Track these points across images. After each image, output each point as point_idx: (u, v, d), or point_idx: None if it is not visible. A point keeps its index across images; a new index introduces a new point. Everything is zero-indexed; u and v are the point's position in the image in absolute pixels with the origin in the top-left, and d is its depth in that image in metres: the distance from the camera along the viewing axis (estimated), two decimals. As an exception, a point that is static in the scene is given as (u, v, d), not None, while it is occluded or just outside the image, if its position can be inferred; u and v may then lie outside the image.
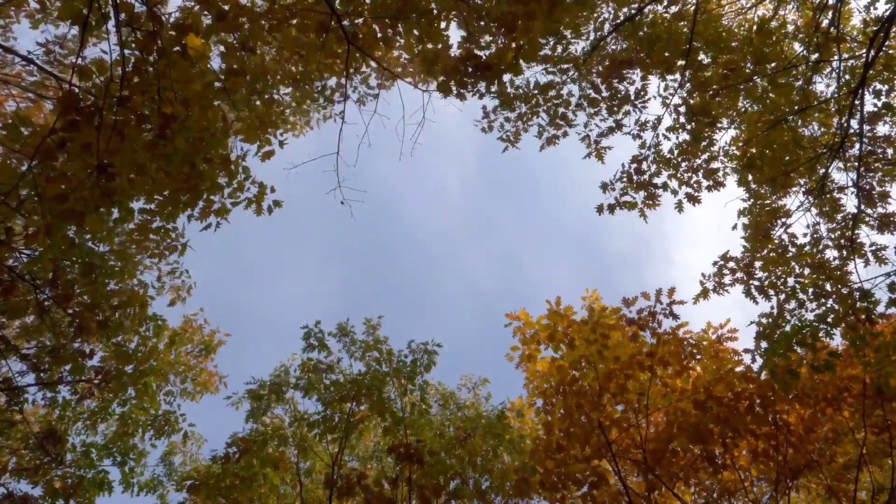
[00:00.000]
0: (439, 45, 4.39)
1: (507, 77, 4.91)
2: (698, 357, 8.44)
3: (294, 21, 5.10)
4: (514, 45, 4.41)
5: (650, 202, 8.13)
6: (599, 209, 8.15)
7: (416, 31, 4.31)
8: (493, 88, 5.05)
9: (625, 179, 8.15)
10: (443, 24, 4.42)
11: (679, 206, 8.12)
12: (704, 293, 7.71)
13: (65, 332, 6.66)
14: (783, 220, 7.22)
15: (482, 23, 4.66)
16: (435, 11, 4.31)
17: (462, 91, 4.54)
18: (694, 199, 8.10)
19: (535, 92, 7.78)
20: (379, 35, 4.61)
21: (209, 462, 8.50)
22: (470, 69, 4.41)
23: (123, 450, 8.18)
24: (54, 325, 6.42)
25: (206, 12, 4.37)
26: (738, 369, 8.08)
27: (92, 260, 5.76)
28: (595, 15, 7.80)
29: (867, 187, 7.19)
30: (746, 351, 6.37)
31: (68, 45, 6.94)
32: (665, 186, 8.08)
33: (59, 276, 5.96)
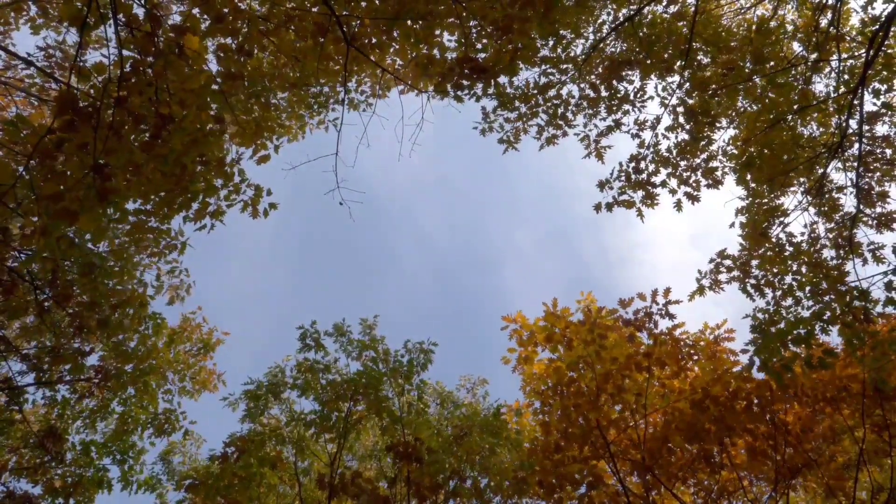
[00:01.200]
0: (435, 50, 4.40)
1: (505, 78, 4.92)
2: (695, 357, 8.44)
3: (292, 25, 5.11)
4: (510, 47, 4.42)
5: (648, 201, 8.13)
6: (597, 207, 8.15)
7: (411, 37, 4.31)
8: (490, 91, 5.06)
9: (623, 178, 8.15)
10: (437, 31, 4.43)
11: (678, 206, 8.12)
12: (700, 290, 7.71)
13: (64, 331, 6.69)
14: (781, 219, 7.22)
15: (478, 25, 4.67)
16: (432, 15, 4.32)
17: (459, 94, 4.55)
18: (693, 198, 8.10)
19: (535, 92, 7.77)
20: (374, 41, 4.62)
21: (208, 461, 8.54)
22: (466, 72, 4.42)
23: (123, 448, 8.22)
24: (54, 325, 6.44)
25: (204, 15, 4.39)
26: (735, 369, 8.09)
27: (91, 259, 5.78)
28: (594, 16, 7.79)
29: (866, 187, 7.18)
30: (744, 351, 6.37)
31: (69, 51, 6.96)
32: (664, 185, 8.07)
33: (58, 276, 5.99)
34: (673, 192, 8.03)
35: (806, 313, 5.92)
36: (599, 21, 7.98)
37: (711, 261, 7.40)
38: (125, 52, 3.96)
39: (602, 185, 8.09)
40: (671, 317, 8.11)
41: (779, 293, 6.24)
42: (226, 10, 4.44)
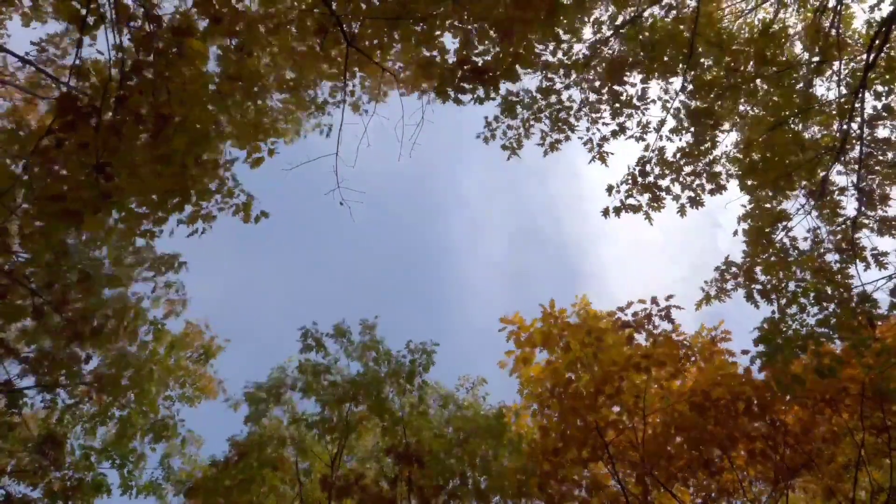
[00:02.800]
0: (435, 52, 4.36)
1: (507, 83, 4.89)
2: (693, 359, 8.44)
3: (291, 26, 5.06)
4: (511, 50, 4.38)
5: (654, 204, 8.09)
6: (605, 212, 8.11)
7: (412, 38, 4.27)
8: (492, 94, 5.02)
9: (630, 182, 8.11)
10: (437, 33, 4.39)
11: (682, 210, 8.09)
12: (707, 299, 7.68)
13: (61, 336, 6.64)
14: (784, 223, 7.20)
15: (478, 27, 4.63)
16: (433, 16, 4.28)
17: (459, 96, 4.51)
18: (696, 203, 8.07)
19: (538, 96, 7.73)
20: (375, 42, 4.58)
21: (208, 465, 8.50)
22: (467, 74, 4.38)
23: (122, 453, 8.17)
24: (51, 329, 6.39)
25: (202, 16, 4.34)
26: (735, 371, 8.09)
27: (85, 268, 5.73)
28: (595, 19, 7.75)
29: (868, 190, 7.17)
30: (745, 352, 6.36)
31: (63, 46, 6.89)
32: (668, 190, 8.04)
33: (55, 280, 5.94)
34: (677, 197, 8.00)
35: (811, 320, 5.90)
36: (600, 23, 7.95)
37: (717, 269, 7.39)
38: (125, 53, 3.92)
39: (610, 190, 8.05)
40: (671, 320, 8.10)
41: (783, 301, 6.22)
42: (224, 10, 4.40)
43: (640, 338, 8.30)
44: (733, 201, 12.32)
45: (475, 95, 4.80)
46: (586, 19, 7.69)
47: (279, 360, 9.40)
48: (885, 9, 6.84)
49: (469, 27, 4.74)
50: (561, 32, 6.44)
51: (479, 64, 4.54)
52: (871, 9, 6.54)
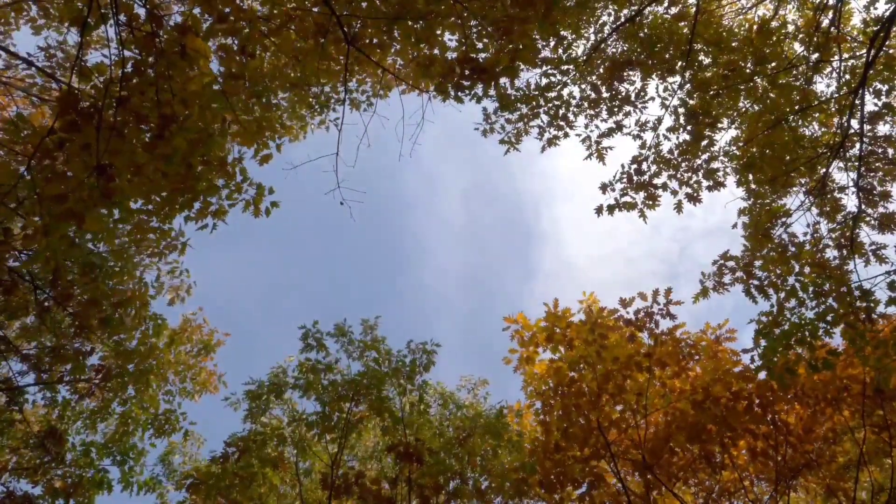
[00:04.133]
0: (436, 50, 4.39)
1: (506, 80, 4.91)
2: (697, 357, 8.44)
3: (293, 26, 5.10)
4: (510, 47, 4.41)
5: (650, 202, 8.12)
6: (599, 210, 8.15)
7: (412, 37, 4.30)
8: (491, 92, 5.05)
9: (625, 180, 8.14)
10: (437, 31, 4.42)
11: (679, 207, 8.12)
12: (704, 292, 7.69)
13: (65, 331, 6.68)
14: (783, 219, 7.21)
15: (478, 24, 4.66)
16: (432, 15, 4.31)
17: (460, 94, 4.54)
18: (694, 199, 8.10)
19: (536, 93, 7.77)
20: (375, 41, 4.61)
21: (208, 462, 8.53)
22: (466, 72, 4.41)
23: (123, 449, 8.20)
24: (55, 324, 6.44)
25: (206, 15, 4.38)
26: (736, 369, 8.09)
27: (91, 259, 5.77)
28: (595, 16, 7.78)
29: (867, 187, 7.18)
30: (745, 351, 6.37)
31: (70, 51, 6.96)
32: (665, 187, 8.07)
33: (59, 276, 5.98)
34: (674, 193, 8.03)
35: (810, 314, 5.91)
36: (600, 22, 7.98)
37: (715, 262, 7.40)
38: (127, 53, 3.96)
39: (604, 188, 8.08)
40: (672, 317, 8.11)
41: (782, 295, 6.22)
42: (227, 10, 4.44)
43: (643, 335, 8.31)
44: (732, 201, 12.35)
45: (474, 93, 4.83)
46: (590, 19, 7.73)
47: (277, 356, 9.44)
48: (882, 6, 6.86)
49: (469, 25, 4.77)
50: (561, 30, 6.48)
51: (480, 61, 4.57)
52: (867, 7, 6.56)
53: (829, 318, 5.65)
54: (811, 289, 6.05)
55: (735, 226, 7.46)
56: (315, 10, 4.90)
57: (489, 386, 10.65)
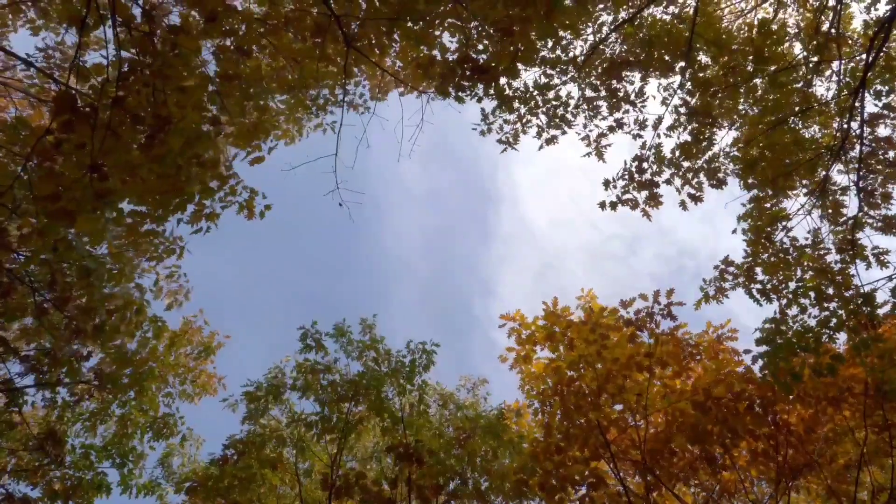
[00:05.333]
0: (435, 51, 4.38)
1: (506, 80, 4.90)
2: (698, 358, 8.43)
3: (290, 27, 5.08)
4: (511, 48, 4.39)
5: (652, 201, 8.12)
6: (602, 205, 8.15)
7: (412, 38, 4.28)
8: (491, 92, 5.03)
9: (626, 177, 8.14)
10: (437, 32, 4.40)
11: (682, 206, 8.11)
12: (705, 298, 7.68)
13: (62, 335, 6.65)
14: (784, 223, 7.19)
15: (478, 25, 4.64)
16: (432, 15, 4.30)
17: (460, 94, 4.52)
18: (696, 199, 8.09)
19: (535, 93, 7.76)
20: (374, 42, 4.59)
21: (207, 464, 8.51)
22: (467, 73, 4.39)
23: (122, 451, 8.19)
24: (52, 327, 6.41)
25: (194, 11, 4.35)
26: (738, 370, 8.07)
27: (87, 264, 5.75)
28: (594, 17, 7.77)
29: (868, 189, 7.15)
30: (747, 352, 6.35)
31: (68, 51, 6.93)
32: (668, 182, 8.08)
33: (57, 278, 5.96)
34: (677, 191, 8.03)
35: (812, 321, 5.89)
36: (599, 22, 7.96)
37: (716, 267, 7.39)
38: (123, 54, 3.94)
39: (606, 185, 8.09)
40: (673, 317, 8.10)
41: (784, 301, 6.21)
42: (219, 10, 4.41)
43: (644, 335, 8.30)
44: (732, 202, 12.33)
45: (473, 93, 4.81)
46: (590, 20, 7.71)
47: (275, 357, 9.42)
48: (882, 8, 6.84)
49: (469, 25, 4.75)
50: (560, 30, 6.45)
51: (480, 62, 4.55)
52: (868, 8, 6.54)
53: (831, 323, 5.63)
54: (813, 294, 6.03)
55: (735, 231, 7.45)
56: (314, 10, 4.88)
57: (489, 385, 10.64)
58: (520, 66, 4.58)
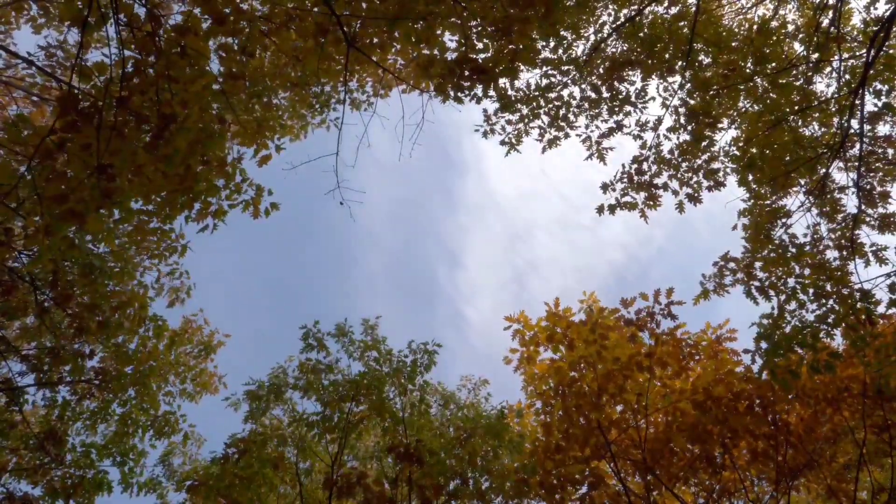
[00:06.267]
0: (435, 50, 4.39)
1: (505, 80, 4.92)
2: (697, 358, 8.44)
3: (293, 25, 5.10)
4: (510, 48, 4.41)
5: (651, 203, 8.13)
6: (600, 209, 8.15)
7: (412, 37, 4.30)
8: (491, 92, 5.05)
9: (625, 180, 8.16)
10: (438, 31, 4.42)
11: (680, 207, 8.12)
12: (705, 294, 7.69)
13: (65, 332, 6.67)
14: (783, 220, 7.21)
15: (477, 25, 4.66)
16: (432, 15, 4.31)
17: (459, 95, 4.54)
18: (694, 200, 8.11)
19: (537, 94, 7.78)
20: (375, 41, 4.61)
21: (209, 462, 8.52)
22: (466, 73, 4.41)
23: (123, 450, 8.19)
24: (54, 325, 6.43)
25: (205, 15, 4.37)
26: (737, 370, 8.09)
27: (91, 261, 5.76)
28: (595, 16, 7.79)
29: (868, 187, 7.18)
30: (746, 351, 6.36)
31: (70, 50, 6.96)
32: (665, 187, 8.08)
33: (59, 276, 5.98)
34: (675, 193, 8.04)
35: (810, 317, 5.91)
36: (600, 22, 7.98)
37: (715, 264, 7.40)
38: (127, 53, 3.96)
39: (605, 188, 8.09)
40: (673, 317, 8.11)
41: (783, 297, 6.22)
42: (227, 11, 4.43)
43: (644, 335, 8.31)
44: (731, 201, 12.36)
45: (472, 93, 4.83)
46: (590, 19, 7.73)
47: (276, 356, 9.43)
48: (882, 6, 6.86)
49: (469, 25, 4.77)
50: (561, 30, 6.47)
51: (479, 62, 4.57)
52: (867, 7, 6.56)
53: (829, 319, 5.65)
54: (812, 290, 6.04)
55: (735, 227, 7.47)
56: (315, 10, 4.89)
57: (490, 386, 10.63)
58: (520, 66, 4.60)
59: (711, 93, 7.30)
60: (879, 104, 6.80)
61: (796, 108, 6.93)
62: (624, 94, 7.86)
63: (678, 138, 7.91)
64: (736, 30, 8.05)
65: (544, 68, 7.71)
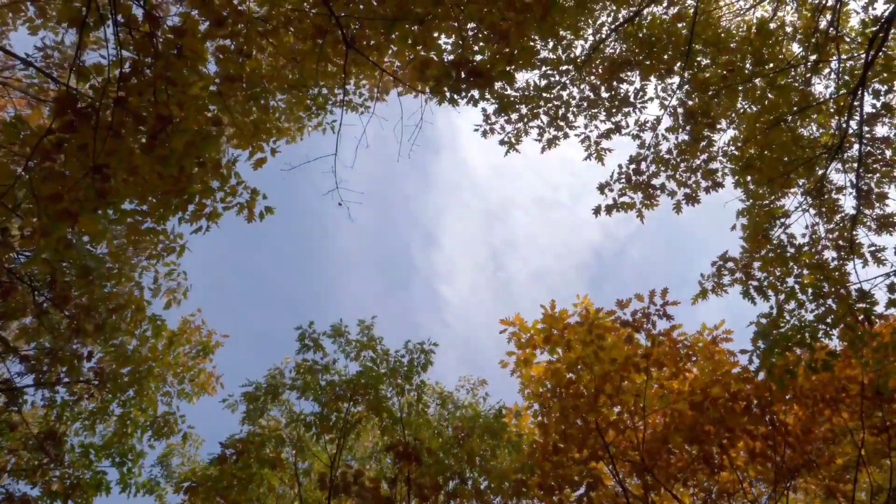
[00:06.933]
0: (432, 53, 4.39)
1: (501, 84, 4.91)
2: (694, 359, 8.44)
3: (290, 27, 5.10)
4: (506, 51, 4.41)
5: (648, 203, 8.13)
6: (597, 210, 8.15)
7: (409, 39, 4.30)
8: (487, 95, 5.04)
9: (623, 180, 8.15)
10: (434, 33, 4.42)
11: (677, 207, 8.12)
12: (703, 294, 7.69)
13: (63, 333, 6.67)
14: (782, 220, 7.21)
15: (474, 29, 4.66)
16: (430, 17, 4.31)
17: (455, 97, 4.54)
18: (692, 200, 8.11)
19: (535, 94, 7.77)
20: (373, 43, 4.61)
21: (207, 463, 8.52)
22: (462, 75, 4.41)
23: (121, 451, 8.20)
24: (53, 326, 6.43)
25: (203, 17, 4.37)
26: (734, 370, 8.09)
27: (87, 262, 5.77)
28: (594, 17, 7.79)
29: (866, 188, 7.17)
30: (743, 352, 6.37)
31: (67, 51, 6.95)
32: (663, 188, 8.08)
33: (56, 278, 5.98)
34: (672, 193, 8.04)
35: (809, 317, 5.91)
36: (599, 22, 7.98)
37: (713, 263, 7.40)
38: (125, 53, 3.96)
39: (602, 188, 8.09)
40: (669, 318, 8.11)
41: (781, 297, 6.22)
42: (225, 13, 4.43)
43: (640, 337, 8.32)
44: (730, 202, 12.35)
45: (469, 95, 4.84)
46: (589, 20, 7.72)
47: (273, 356, 9.43)
48: (880, 7, 6.85)
49: (466, 28, 4.77)
50: (559, 30, 6.47)
51: (476, 65, 4.56)
52: (865, 8, 6.55)
53: (828, 319, 5.65)
54: (810, 290, 6.04)
55: (734, 227, 7.46)
56: (314, 11, 4.90)
57: (488, 386, 10.64)
58: (515, 70, 4.59)
59: (710, 93, 7.30)
60: (878, 105, 6.80)
61: (795, 108, 6.92)
62: (623, 94, 7.86)
63: (677, 138, 7.92)
64: (734, 31, 8.04)
65: (543, 68, 7.70)
